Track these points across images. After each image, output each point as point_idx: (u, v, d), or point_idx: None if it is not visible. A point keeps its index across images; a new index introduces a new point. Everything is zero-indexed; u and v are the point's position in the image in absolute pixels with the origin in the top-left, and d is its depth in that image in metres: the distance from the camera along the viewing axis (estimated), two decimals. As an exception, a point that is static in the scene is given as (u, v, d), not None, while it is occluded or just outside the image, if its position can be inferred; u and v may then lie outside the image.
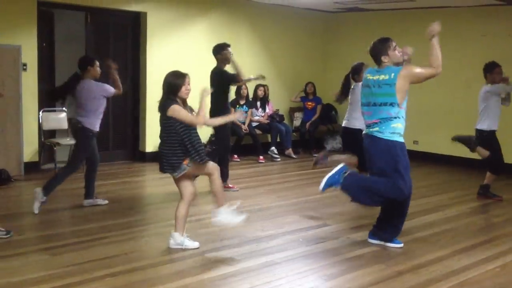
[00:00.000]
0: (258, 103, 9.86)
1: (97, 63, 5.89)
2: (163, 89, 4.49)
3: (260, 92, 9.79)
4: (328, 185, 4.77)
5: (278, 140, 9.76)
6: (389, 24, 10.14)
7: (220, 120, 5.22)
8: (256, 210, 6.04)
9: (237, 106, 9.51)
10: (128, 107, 8.83)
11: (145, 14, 8.59)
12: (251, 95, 9.80)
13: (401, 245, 4.83)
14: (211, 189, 4.64)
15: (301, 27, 10.75)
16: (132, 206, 6.11)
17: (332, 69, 11.09)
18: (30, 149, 7.60)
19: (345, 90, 6.43)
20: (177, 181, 4.57)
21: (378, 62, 4.67)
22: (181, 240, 4.60)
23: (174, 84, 4.43)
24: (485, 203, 6.72)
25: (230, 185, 6.88)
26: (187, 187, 4.58)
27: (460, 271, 4.31)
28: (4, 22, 7.24)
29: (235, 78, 6.65)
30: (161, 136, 4.54)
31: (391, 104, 4.49)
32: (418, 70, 4.55)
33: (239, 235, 5.07)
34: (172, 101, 4.39)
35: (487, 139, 6.56)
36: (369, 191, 4.64)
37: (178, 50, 8.95)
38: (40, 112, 7.71)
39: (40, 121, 7.68)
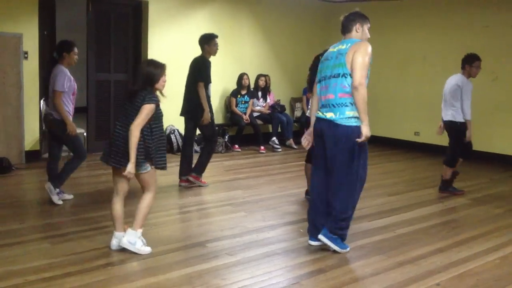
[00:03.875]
0: (259, 93, 9.85)
1: (75, 50, 5.59)
2: (139, 77, 4.18)
3: (262, 82, 9.76)
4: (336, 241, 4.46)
5: (279, 130, 9.75)
6: (391, 15, 10.11)
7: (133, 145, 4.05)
8: (257, 201, 6.05)
9: (238, 96, 9.51)
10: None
11: (146, 2, 8.56)
12: (252, 85, 9.78)
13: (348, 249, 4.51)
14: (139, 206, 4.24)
15: (303, 17, 10.71)
16: (133, 196, 6.11)
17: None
18: (31, 138, 7.60)
19: (313, 74, 5.57)
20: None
21: (348, 30, 4.41)
22: (135, 240, 4.24)
23: (154, 74, 4.16)
24: (485, 195, 6.72)
25: (202, 180, 6.60)
26: (124, 182, 4.23)
27: (460, 263, 4.32)
28: (6, 10, 7.21)
29: (206, 80, 6.35)
30: (121, 125, 4.17)
31: (344, 76, 4.23)
32: (362, 59, 4.14)
33: (240, 226, 5.08)
34: (154, 98, 4.11)
35: (462, 130, 6.46)
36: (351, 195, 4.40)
37: (179, 38, 8.93)
38: (41, 101, 7.70)
39: (41, 109, 7.66)
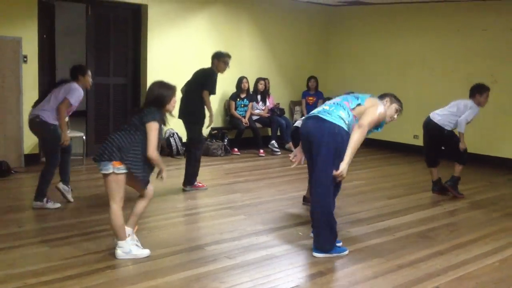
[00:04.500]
0: (259, 97, 9.85)
1: (89, 73, 5.75)
2: (149, 98, 4.21)
3: (261, 86, 9.77)
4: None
5: (279, 133, 9.76)
6: (390, 18, 10.12)
7: (159, 162, 4.22)
8: (256, 204, 6.05)
9: (238, 99, 9.51)
10: (128, 100, 8.83)
11: (146, 6, 8.57)
12: (251, 89, 9.78)
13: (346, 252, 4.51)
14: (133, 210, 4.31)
15: (302, 21, 10.72)
16: (131, 199, 6.11)
17: (333, 63, 11.09)
18: (30, 141, 7.59)
19: None
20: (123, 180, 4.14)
21: (380, 99, 4.66)
22: (129, 248, 4.23)
23: (165, 96, 4.21)
24: (485, 198, 6.72)
25: (199, 184, 6.60)
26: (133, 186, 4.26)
27: (459, 266, 4.32)
28: (5, 14, 7.22)
29: (211, 90, 6.47)
30: (119, 129, 4.18)
31: (357, 98, 4.42)
32: (375, 112, 4.37)
33: (239, 229, 5.08)
34: (159, 115, 4.15)
35: (449, 136, 6.59)
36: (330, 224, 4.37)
37: (178, 42, 8.94)
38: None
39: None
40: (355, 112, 4.35)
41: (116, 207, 4.13)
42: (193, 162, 6.50)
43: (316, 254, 4.39)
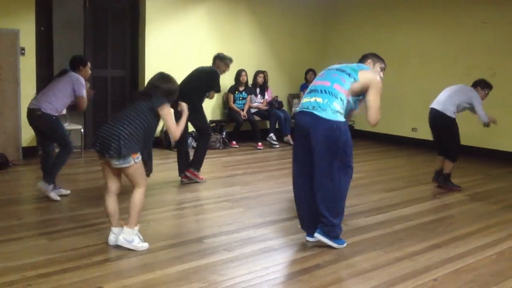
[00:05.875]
0: (257, 90, 9.85)
1: (89, 64, 5.84)
2: (159, 90, 4.26)
3: (260, 79, 9.76)
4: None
5: (277, 126, 9.76)
6: (389, 11, 10.10)
7: (182, 124, 4.51)
8: (255, 197, 6.05)
9: (236, 92, 9.51)
10: (126, 93, 8.81)
11: (144, -1, 8.55)
12: (250, 82, 9.77)
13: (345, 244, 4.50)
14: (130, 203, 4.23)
15: (301, 13, 10.70)
16: (130, 192, 6.11)
17: (331, 56, 11.05)
18: (28, 134, 7.58)
19: None
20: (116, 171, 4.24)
21: (362, 62, 4.64)
22: (132, 237, 4.25)
23: (175, 92, 4.38)
24: (482, 191, 6.74)
25: (199, 176, 6.62)
26: (115, 178, 4.27)
27: (457, 258, 4.33)
28: (3, 6, 7.19)
29: (217, 89, 6.73)
30: (124, 118, 4.15)
31: (348, 75, 4.29)
32: (375, 97, 4.27)
33: (237, 222, 5.08)
34: (168, 101, 4.28)
35: (454, 125, 6.55)
36: (339, 202, 4.39)
37: (177, 35, 8.92)
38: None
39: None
40: (351, 91, 4.25)
41: (143, 191, 4.24)
42: (205, 147, 6.63)
43: (317, 235, 4.36)
